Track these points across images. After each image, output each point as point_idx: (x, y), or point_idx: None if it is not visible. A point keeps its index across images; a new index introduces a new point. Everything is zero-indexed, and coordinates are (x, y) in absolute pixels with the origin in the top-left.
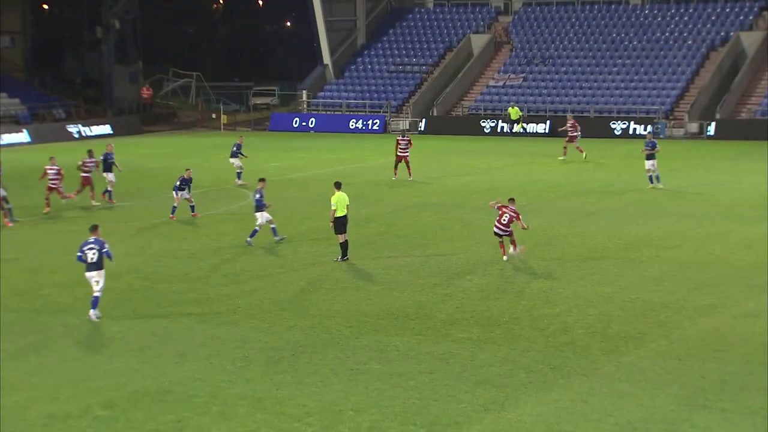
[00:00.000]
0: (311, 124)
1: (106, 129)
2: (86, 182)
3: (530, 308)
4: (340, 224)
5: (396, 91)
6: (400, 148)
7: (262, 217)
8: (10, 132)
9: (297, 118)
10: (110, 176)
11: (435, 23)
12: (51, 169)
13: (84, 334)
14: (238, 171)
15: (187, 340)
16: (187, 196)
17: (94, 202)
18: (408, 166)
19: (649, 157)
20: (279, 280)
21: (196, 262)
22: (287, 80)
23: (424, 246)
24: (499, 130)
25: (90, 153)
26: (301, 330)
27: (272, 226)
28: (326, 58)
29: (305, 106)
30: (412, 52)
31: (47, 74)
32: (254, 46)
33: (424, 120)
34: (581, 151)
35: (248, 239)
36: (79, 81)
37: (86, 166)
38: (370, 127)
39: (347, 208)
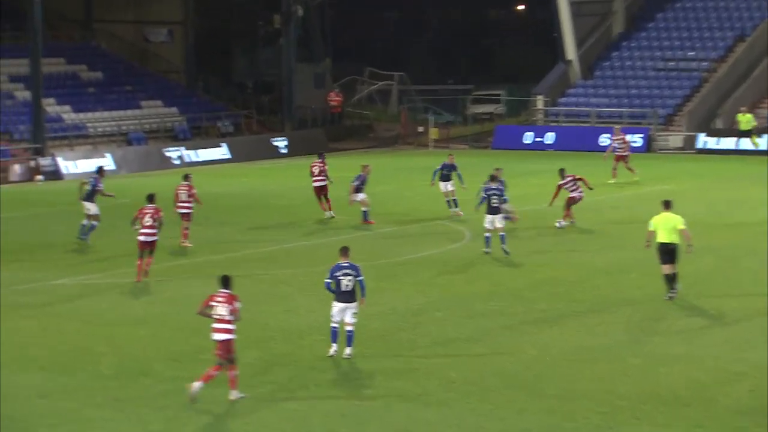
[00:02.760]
0: (549, 140)
1: (220, 152)
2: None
3: None
4: (664, 252)
5: (665, 96)
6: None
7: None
8: (168, 147)
9: (530, 133)
10: (360, 196)
11: (720, 5)
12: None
13: (250, 408)
14: (452, 199)
15: (382, 424)
16: (361, 198)
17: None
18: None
19: None
20: (504, 347)
21: (395, 319)
22: (517, 83)
23: (701, 305)
24: None
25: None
26: (534, 415)
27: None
28: (570, 53)
29: (541, 116)
30: (687, 44)
31: (212, 76)
32: (474, 39)
33: (698, 135)
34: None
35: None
36: (251, 85)
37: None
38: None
39: (678, 233)
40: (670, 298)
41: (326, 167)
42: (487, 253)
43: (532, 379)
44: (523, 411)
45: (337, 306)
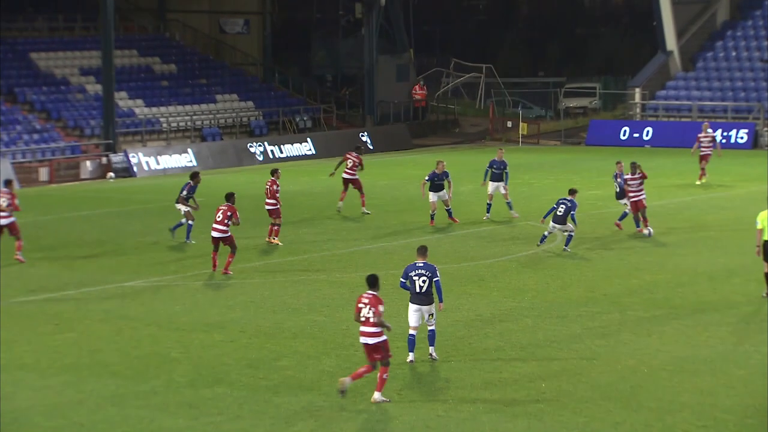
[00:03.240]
0: (647, 135)
1: (305, 148)
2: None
3: None
4: None
5: None
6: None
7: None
8: (251, 142)
9: (626, 128)
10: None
11: None
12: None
13: (327, 417)
14: (506, 202)
15: None
16: (446, 197)
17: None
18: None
19: None
20: (599, 355)
21: (480, 325)
22: (612, 75)
23: None
24: None
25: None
26: (630, 429)
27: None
28: (670, 44)
29: (638, 110)
30: None
31: (290, 69)
32: (567, 28)
33: None
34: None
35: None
36: (330, 78)
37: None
38: (733, 140)
39: None
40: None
41: (361, 161)
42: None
43: (628, 390)
44: (619, 425)
45: (412, 308)
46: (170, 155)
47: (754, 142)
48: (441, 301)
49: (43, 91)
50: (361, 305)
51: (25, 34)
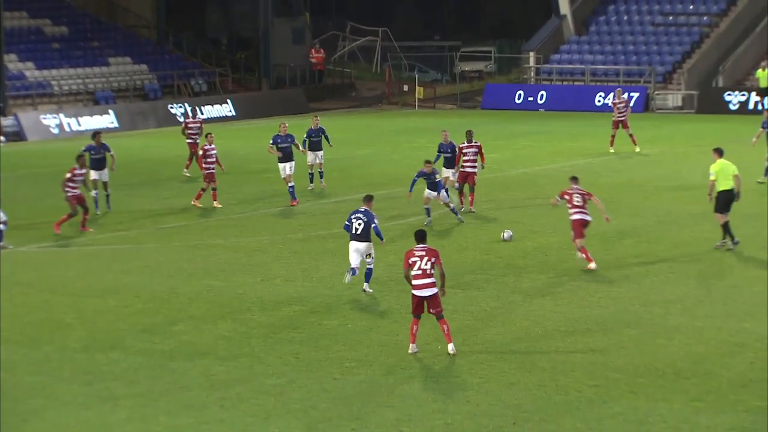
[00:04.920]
0: (541, 99)
1: (225, 110)
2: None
3: None
4: (725, 201)
5: (663, 52)
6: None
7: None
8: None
9: (521, 91)
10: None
11: None
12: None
13: (225, 381)
14: (318, 171)
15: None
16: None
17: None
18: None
19: None
20: (495, 318)
21: (377, 288)
22: (507, 39)
23: (703, 274)
24: None
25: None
26: (525, 389)
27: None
28: (563, 7)
29: (532, 74)
30: None
31: (184, 32)
32: None
33: (696, 94)
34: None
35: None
36: (225, 41)
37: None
38: None
39: (735, 179)
40: (736, 244)
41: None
42: (427, 224)
43: (522, 351)
44: (513, 385)
45: (351, 246)
46: (91, 116)
47: (645, 105)
48: (382, 240)
49: None
50: (415, 259)
51: None
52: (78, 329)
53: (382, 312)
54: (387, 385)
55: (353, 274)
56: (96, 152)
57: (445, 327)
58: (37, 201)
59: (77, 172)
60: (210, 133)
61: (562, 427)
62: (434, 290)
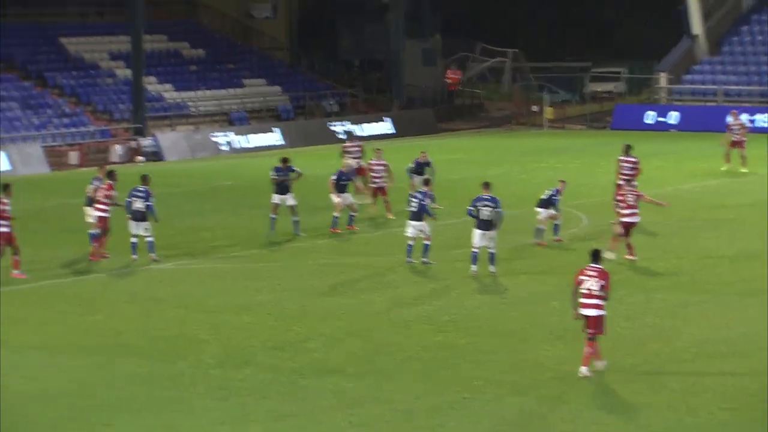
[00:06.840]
0: (672, 119)
1: (384, 127)
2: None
3: None
4: None
5: None
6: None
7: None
8: (263, 131)
9: (652, 112)
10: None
11: None
12: (377, 164)
13: (354, 399)
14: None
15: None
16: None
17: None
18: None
19: None
20: (625, 338)
21: (506, 309)
22: (638, 59)
23: None
24: None
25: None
26: (655, 410)
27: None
28: (696, 27)
29: (664, 94)
30: None
31: (317, 54)
32: (593, 12)
33: None
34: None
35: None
36: (357, 62)
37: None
38: (758, 124)
39: None
40: None
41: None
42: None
43: (653, 372)
44: (644, 406)
45: (477, 232)
46: (256, 134)
47: None
48: (501, 219)
49: (73, 75)
50: (584, 278)
51: (56, 19)
52: (213, 345)
53: (511, 332)
54: (515, 405)
55: (474, 262)
56: (283, 174)
57: (590, 350)
58: (171, 219)
59: (110, 193)
60: (379, 149)
61: None
62: (599, 312)
